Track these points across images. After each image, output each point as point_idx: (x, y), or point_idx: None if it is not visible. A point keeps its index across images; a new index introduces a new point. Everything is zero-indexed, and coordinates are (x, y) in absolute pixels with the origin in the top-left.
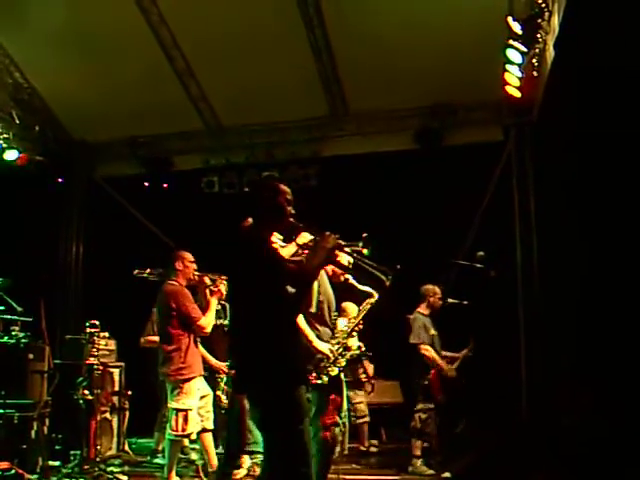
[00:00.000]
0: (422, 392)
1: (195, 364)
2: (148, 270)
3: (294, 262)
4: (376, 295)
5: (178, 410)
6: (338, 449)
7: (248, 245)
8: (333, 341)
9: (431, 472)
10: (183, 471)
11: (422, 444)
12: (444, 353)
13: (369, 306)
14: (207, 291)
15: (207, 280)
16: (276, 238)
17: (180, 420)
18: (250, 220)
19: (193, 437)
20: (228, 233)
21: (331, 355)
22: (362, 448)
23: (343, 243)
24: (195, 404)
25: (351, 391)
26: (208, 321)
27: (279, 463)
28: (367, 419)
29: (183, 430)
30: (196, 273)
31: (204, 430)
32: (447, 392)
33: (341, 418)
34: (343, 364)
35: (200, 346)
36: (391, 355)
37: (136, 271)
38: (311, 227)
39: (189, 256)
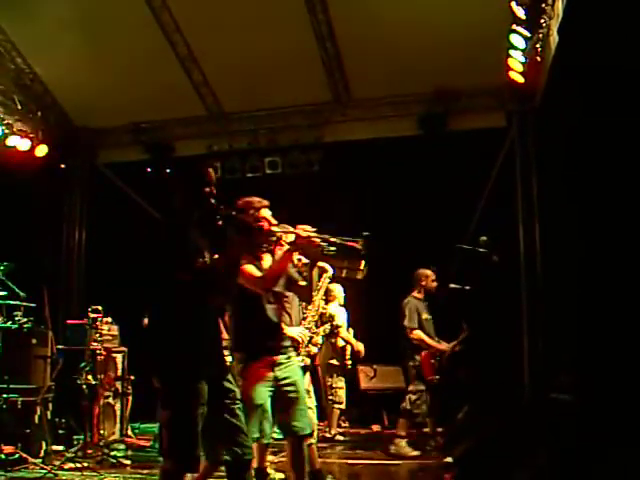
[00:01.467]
0: (413, 374)
1: None
2: None
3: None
4: (330, 270)
5: None
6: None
7: (158, 233)
8: (304, 322)
9: (416, 453)
10: None
11: (409, 425)
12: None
13: (327, 280)
14: None
15: None
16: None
17: None
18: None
19: None
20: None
21: (300, 339)
22: (328, 435)
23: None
24: None
25: (333, 376)
26: None
27: (169, 440)
28: (342, 406)
29: None
30: None
31: None
32: (443, 374)
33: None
34: (320, 341)
35: None
36: (393, 340)
37: None
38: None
39: None
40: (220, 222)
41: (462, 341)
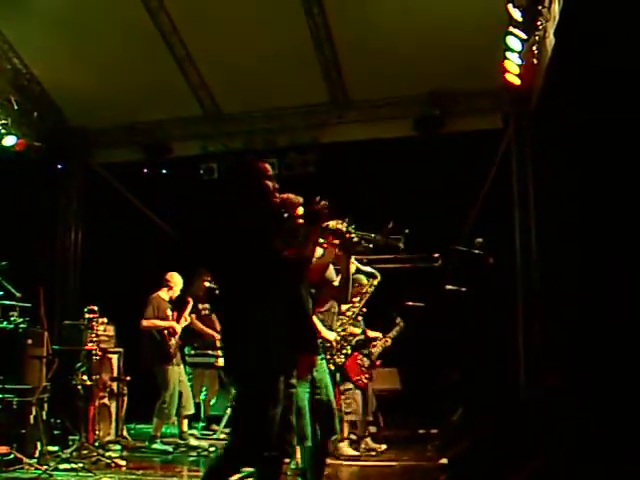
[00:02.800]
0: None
1: None
2: None
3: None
4: (379, 276)
5: None
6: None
7: (230, 231)
8: (338, 327)
9: (355, 454)
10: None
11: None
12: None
13: (373, 288)
14: None
15: None
16: None
17: None
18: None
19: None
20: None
21: (335, 344)
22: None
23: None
24: None
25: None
26: None
27: (243, 441)
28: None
29: None
30: None
31: None
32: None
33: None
34: (349, 351)
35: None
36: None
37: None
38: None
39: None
40: (286, 215)
41: (396, 335)
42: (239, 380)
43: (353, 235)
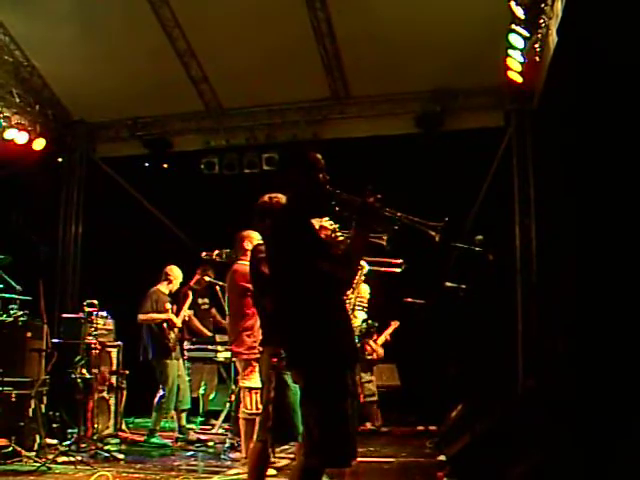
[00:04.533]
0: None
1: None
2: (216, 251)
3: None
4: (365, 266)
5: (251, 389)
6: None
7: (285, 223)
8: None
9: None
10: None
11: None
12: None
13: (363, 277)
14: None
15: None
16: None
17: (255, 398)
18: (277, 196)
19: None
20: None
21: None
22: (372, 427)
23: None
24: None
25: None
26: None
27: (320, 440)
28: (375, 398)
29: (257, 409)
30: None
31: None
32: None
33: None
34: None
35: None
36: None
37: (204, 253)
38: (344, 193)
39: (256, 235)
40: (337, 208)
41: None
42: (308, 374)
43: (338, 234)
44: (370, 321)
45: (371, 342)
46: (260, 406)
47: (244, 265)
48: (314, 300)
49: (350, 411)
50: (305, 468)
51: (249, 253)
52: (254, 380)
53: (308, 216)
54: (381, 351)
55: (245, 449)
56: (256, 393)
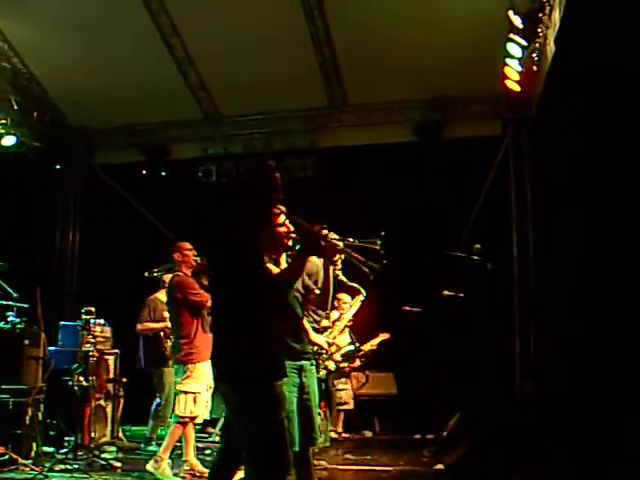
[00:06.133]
0: None
1: (204, 350)
2: (156, 269)
3: None
4: (364, 293)
5: (186, 392)
6: (322, 439)
7: (228, 224)
8: (329, 335)
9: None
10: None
11: None
12: None
13: (359, 303)
14: None
15: None
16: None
17: (189, 402)
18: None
19: (199, 420)
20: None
21: (326, 347)
22: (333, 435)
23: (333, 237)
24: (203, 389)
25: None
26: None
27: (258, 453)
28: (347, 407)
29: (190, 412)
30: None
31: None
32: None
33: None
34: (339, 359)
35: None
36: (385, 346)
37: (146, 273)
38: (296, 216)
39: (186, 245)
40: (281, 229)
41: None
42: (236, 386)
43: (332, 235)
44: (357, 345)
45: None
46: (194, 410)
47: (178, 276)
48: (244, 312)
49: (284, 423)
50: None
51: (181, 264)
52: (190, 385)
53: (256, 230)
54: (357, 361)
55: (164, 449)
56: (193, 397)
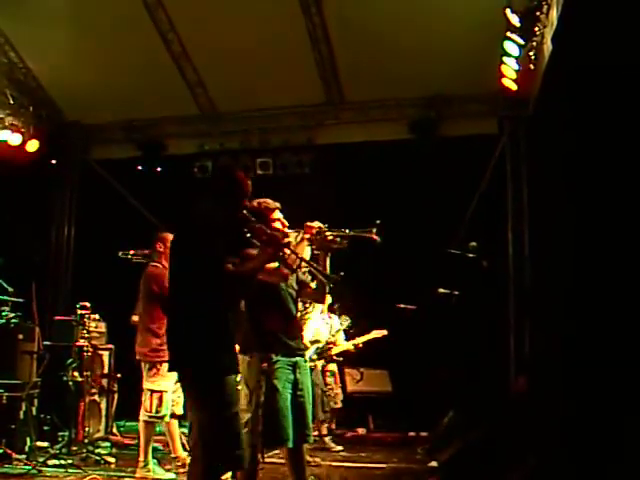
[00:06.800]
0: None
1: None
2: (132, 252)
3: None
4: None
5: (153, 391)
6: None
7: (191, 223)
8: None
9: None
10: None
11: None
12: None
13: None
14: None
15: None
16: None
17: (155, 401)
18: (266, 201)
19: (166, 420)
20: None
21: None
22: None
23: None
24: (170, 386)
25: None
26: None
27: (207, 446)
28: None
29: (157, 412)
30: None
31: (172, 416)
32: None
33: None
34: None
35: None
36: (380, 343)
37: (120, 252)
38: (259, 226)
39: (170, 237)
40: (248, 234)
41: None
42: (188, 377)
43: (327, 233)
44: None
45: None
46: (160, 409)
47: (155, 267)
48: (200, 307)
49: (238, 416)
50: (199, 472)
51: (162, 255)
52: (157, 383)
53: (221, 228)
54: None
55: (144, 452)
56: (159, 396)
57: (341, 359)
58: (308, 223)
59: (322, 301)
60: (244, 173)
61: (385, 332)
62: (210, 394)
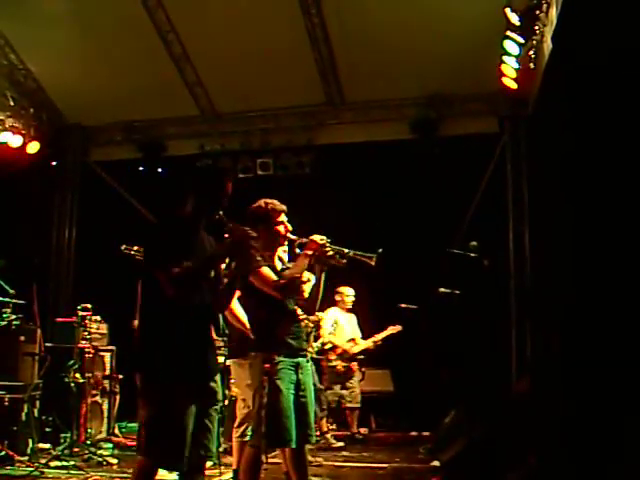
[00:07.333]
0: None
1: None
2: (136, 247)
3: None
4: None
5: None
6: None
7: (166, 226)
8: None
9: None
10: None
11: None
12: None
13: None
14: None
15: None
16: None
17: None
18: (272, 202)
19: None
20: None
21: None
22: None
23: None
24: None
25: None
26: None
27: (147, 441)
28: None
29: None
30: None
31: None
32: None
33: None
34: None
35: None
36: (382, 344)
37: (123, 246)
38: (235, 225)
39: None
40: (226, 235)
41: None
42: (142, 377)
43: (328, 248)
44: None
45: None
46: None
47: None
48: (147, 315)
49: (182, 418)
50: (139, 467)
51: None
52: None
53: (194, 227)
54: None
55: None
56: None
57: (363, 357)
58: (313, 238)
59: (312, 313)
60: (225, 174)
61: (400, 327)
62: (146, 398)
